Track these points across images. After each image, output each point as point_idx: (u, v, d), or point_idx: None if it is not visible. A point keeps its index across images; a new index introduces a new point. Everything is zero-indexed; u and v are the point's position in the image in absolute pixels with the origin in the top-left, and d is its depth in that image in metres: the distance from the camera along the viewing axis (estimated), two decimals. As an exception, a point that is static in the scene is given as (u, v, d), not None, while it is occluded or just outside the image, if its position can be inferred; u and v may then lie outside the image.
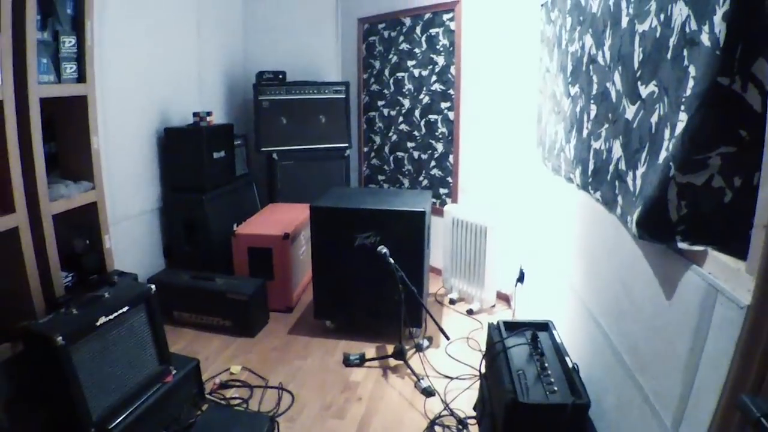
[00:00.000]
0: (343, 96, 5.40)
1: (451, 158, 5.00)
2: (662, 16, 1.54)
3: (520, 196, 4.20)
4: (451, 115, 4.90)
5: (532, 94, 3.68)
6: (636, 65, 1.75)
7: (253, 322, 4.06)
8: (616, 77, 1.94)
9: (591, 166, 2.24)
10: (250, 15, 5.85)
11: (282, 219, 4.65)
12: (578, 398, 2.17)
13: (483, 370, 3.00)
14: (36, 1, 2.48)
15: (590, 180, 2.25)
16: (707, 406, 1.32)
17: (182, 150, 4.59)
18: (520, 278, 4.05)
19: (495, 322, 2.82)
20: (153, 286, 2.73)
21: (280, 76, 5.47)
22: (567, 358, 2.44)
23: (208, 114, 4.77)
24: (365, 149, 5.72)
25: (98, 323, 2.35)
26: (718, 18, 1.17)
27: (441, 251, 4.82)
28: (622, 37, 1.90)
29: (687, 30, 1.36)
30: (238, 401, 3.19)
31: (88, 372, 2.30)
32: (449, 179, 5.06)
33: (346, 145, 5.48)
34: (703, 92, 1.23)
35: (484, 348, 3.13)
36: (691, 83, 1.30)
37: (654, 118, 1.56)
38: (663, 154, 1.44)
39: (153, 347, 2.74)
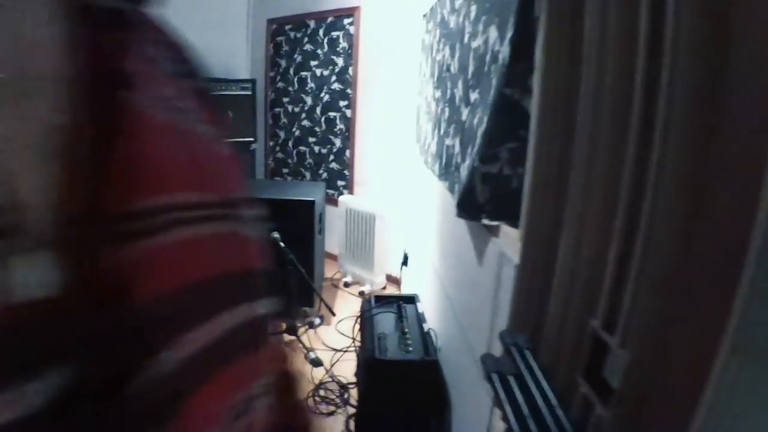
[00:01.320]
0: (250, 93, 5.58)
1: (347, 153, 5.29)
2: (485, 36, 1.87)
3: (405, 188, 4.52)
4: (348, 112, 5.20)
5: (417, 96, 4.00)
6: (470, 75, 2.07)
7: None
8: (459, 84, 2.27)
9: (444, 160, 2.56)
10: (163, 11, 5.93)
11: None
12: (428, 355, 2.51)
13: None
14: None
15: (443, 172, 2.57)
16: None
17: None
18: (405, 261, 4.38)
19: (367, 296, 3.12)
20: None
21: (188, 71, 5.57)
22: (424, 324, 2.77)
23: None
24: (271, 143, 5.93)
25: None
26: (506, 41, 1.50)
27: (337, 239, 5.10)
28: (463, 51, 2.23)
29: (494, 49, 1.69)
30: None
31: None
32: (346, 172, 5.35)
33: (252, 139, 5.67)
34: (495, 99, 1.56)
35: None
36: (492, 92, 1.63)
37: (476, 120, 1.89)
38: (474, 149, 1.77)
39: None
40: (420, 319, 2.88)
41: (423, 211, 3.63)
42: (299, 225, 3.95)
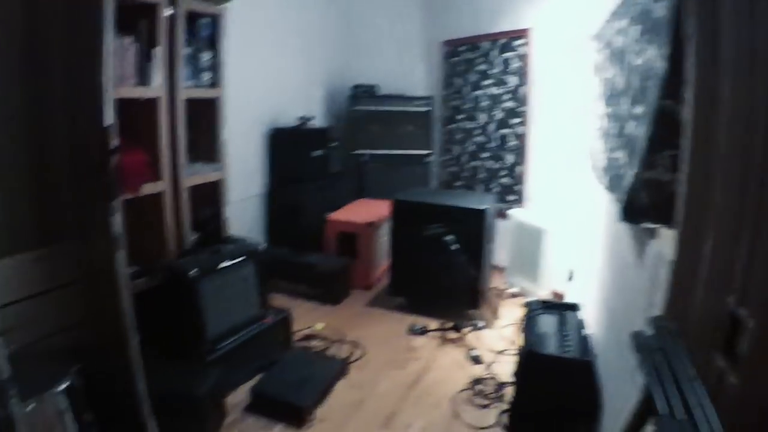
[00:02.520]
0: (427, 109, 5.87)
1: (519, 168, 5.44)
2: (646, 54, 1.98)
3: (573, 204, 4.56)
4: (520, 129, 5.35)
5: (587, 114, 4.05)
6: (634, 91, 2.18)
7: (337, 292, 4.68)
8: (626, 100, 2.37)
9: (612, 173, 2.63)
10: (350, 36, 6.47)
11: (368, 211, 5.20)
12: (584, 356, 2.60)
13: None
14: (183, 26, 3.16)
15: (611, 184, 2.62)
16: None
17: (287, 147, 5.28)
18: (570, 277, 4.43)
19: (533, 300, 3.26)
20: (263, 244, 3.39)
21: (373, 89, 6.05)
22: (583, 330, 2.86)
23: (310, 118, 5.47)
24: (445, 157, 6.17)
25: (220, 266, 3.05)
26: (662, 57, 1.62)
27: (504, 251, 5.19)
28: (628, 69, 2.34)
29: (654, 65, 1.81)
30: (318, 350, 3.79)
31: (208, 303, 2.99)
32: (517, 187, 5.49)
33: (428, 152, 5.95)
34: (654, 111, 1.69)
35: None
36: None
37: (640, 132, 2.00)
38: (638, 158, 1.89)
39: (256, 294, 3.39)
40: (580, 324, 2.96)
41: (590, 226, 3.68)
42: (470, 232, 4.15)
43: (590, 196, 3.69)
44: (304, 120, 5.45)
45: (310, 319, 4.22)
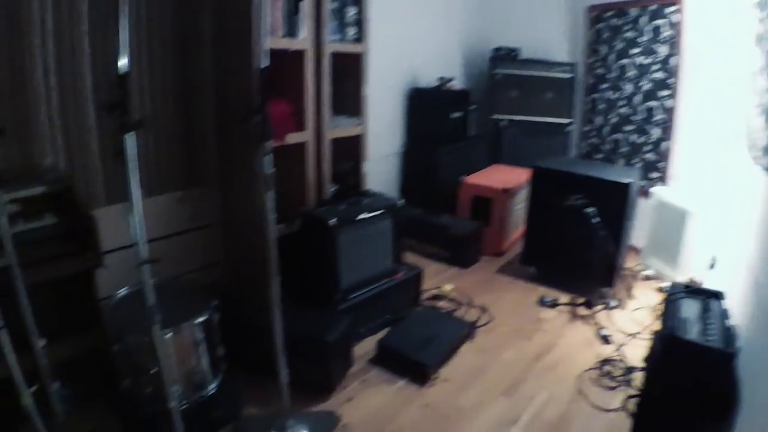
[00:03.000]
0: (570, 76, 5.57)
1: (665, 144, 5.06)
2: None
3: (723, 187, 4.15)
4: (669, 103, 4.94)
5: (745, 89, 3.68)
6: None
7: (468, 256, 4.62)
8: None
9: None
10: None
11: (504, 177, 5.04)
12: (728, 348, 2.34)
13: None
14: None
15: None
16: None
17: (425, 107, 5.24)
18: (712, 265, 4.09)
19: (675, 283, 3.03)
20: (402, 200, 3.44)
21: (513, 53, 5.80)
22: (728, 321, 2.62)
23: (450, 80, 5.37)
24: (586, 128, 5.86)
25: (358, 218, 3.11)
26: None
27: (642, 231, 4.88)
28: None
29: None
30: (446, 310, 3.76)
31: (345, 253, 3.05)
32: (661, 164, 5.11)
33: (569, 121, 5.66)
34: None
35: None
36: None
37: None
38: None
39: (391, 248, 3.42)
40: (724, 314, 2.71)
41: (741, 210, 3.35)
42: (612, 207, 3.92)
43: (743, 178, 3.35)
44: (444, 81, 5.36)
45: (438, 280, 4.20)
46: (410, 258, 4.44)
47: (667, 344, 2.47)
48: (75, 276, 2.33)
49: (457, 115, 5.31)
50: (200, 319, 2.38)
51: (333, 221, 2.94)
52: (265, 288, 2.24)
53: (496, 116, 5.69)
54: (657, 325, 3.11)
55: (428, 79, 5.43)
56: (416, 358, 2.99)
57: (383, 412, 2.74)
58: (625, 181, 3.91)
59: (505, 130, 5.69)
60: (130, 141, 1.60)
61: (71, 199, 2.36)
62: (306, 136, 3.14)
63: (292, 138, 3.04)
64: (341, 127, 3.46)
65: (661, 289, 4.39)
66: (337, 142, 3.44)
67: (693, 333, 2.47)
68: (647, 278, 4.66)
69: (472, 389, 2.97)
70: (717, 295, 2.90)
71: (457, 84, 5.71)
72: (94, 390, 2.50)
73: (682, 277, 4.30)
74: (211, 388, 2.48)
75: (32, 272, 1.97)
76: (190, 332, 2.36)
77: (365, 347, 3.21)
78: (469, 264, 4.63)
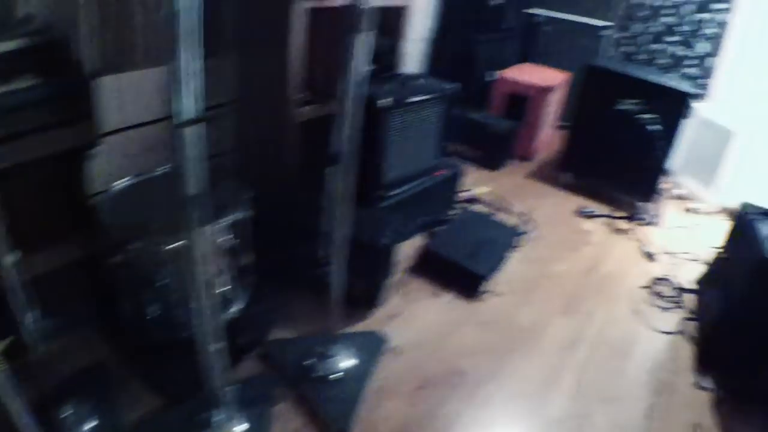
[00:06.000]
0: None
1: (711, 60, 4.48)
2: None
3: None
4: (724, 17, 4.33)
5: None
6: None
7: (500, 158, 4.12)
8: None
9: None
10: None
11: (540, 75, 4.49)
12: None
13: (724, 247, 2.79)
14: None
15: None
16: None
17: None
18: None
19: (747, 204, 2.61)
20: (458, 85, 2.81)
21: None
22: None
23: None
24: (621, 34, 5.25)
25: (411, 100, 2.47)
26: None
27: (680, 151, 4.41)
28: None
29: None
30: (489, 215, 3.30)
31: (393, 140, 2.46)
32: (706, 80, 4.55)
33: (608, 24, 5.01)
34: None
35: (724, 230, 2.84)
36: None
37: None
38: None
39: (438, 141, 2.84)
40: None
41: None
42: (668, 115, 3.43)
43: None
44: None
45: (470, 182, 3.66)
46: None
47: (758, 266, 2.11)
48: (62, 159, 1.75)
49: (495, 2, 4.62)
50: (234, 218, 1.83)
51: (384, 101, 2.33)
52: (315, 179, 1.70)
53: (532, 10, 5.05)
54: (718, 247, 2.75)
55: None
56: (469, 267, 2.52)
57: (435, 332, 2.29)
58: (685, 89, 3.42)
59: (540, 27, 5.07)
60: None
61: (60, 57, 1.73)
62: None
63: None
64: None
65: (696, 210, 4.05)
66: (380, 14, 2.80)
67: None
68: (679, 198, 4.27)
69: (529, 305, 2.58)
70: None
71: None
72: (84, 316, 1.95)
73: (714, 199, 4.00)
74: (238, 306, 1.99)
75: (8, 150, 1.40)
76: (222, 234, 1.81)
77: (406, 254, 2.73)
78: (501, 166, 4.13)
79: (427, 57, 4.60)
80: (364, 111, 2.30)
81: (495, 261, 2.69)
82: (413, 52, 4.16)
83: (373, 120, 2.31)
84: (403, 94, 2.47)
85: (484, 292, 2.53)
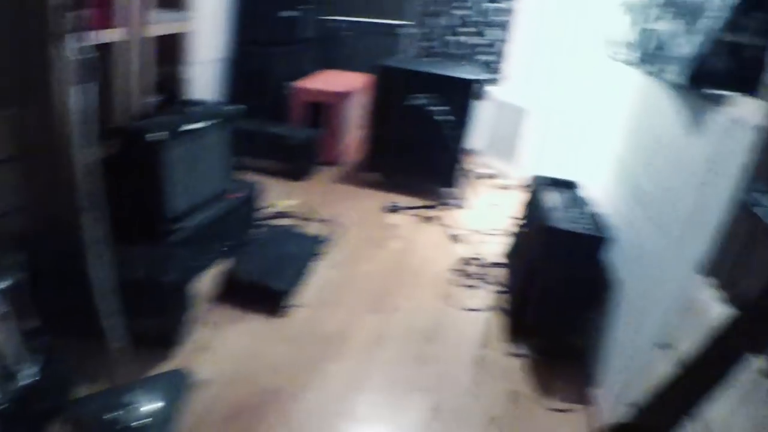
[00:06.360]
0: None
1: (502, 45, 4.87)
2: None
3: (569, 86, 4.04)
4: (510, 4, 4.74)
5: None
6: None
7: (305, 167, 4.17)
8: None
9: (651, 45, 2.20)
10: None
11: (339, 81, 4.64)
12: (598, 232, 2.30)
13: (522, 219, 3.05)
14: None
15: (646, 57, 2.20)
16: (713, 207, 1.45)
17: (254, 6, 4.46)
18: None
19: (536, 176, 2.90)
20: (240, 107, 2.85)
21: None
22: (589, 207, 2.55)
23: None
24: (421, 30, 5.53)
25: (184, 129, 2.42)
26: None
27: (482, 131, 4.74)
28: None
29: None
30: (291, 228, 3.32)
31: (171, 172, 2.38)
32: (498, 65, 4.94)
33: (407, 22, 5.27)
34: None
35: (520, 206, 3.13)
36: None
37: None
38: (709, 21, 1.56)
39: (226, 165, 2.83)
40: (585, 201, 2.63)
41: (597, 106, 3.26)
42: (457, 104, 3.71)
43: (596, 73, 3.29)
44: None
45: (276, 197, 3.68)
46: (242, 175, 3.91)
47: (541, 235, 2.37)
48: None
49: (288, 14, 4.65)
50: (4, 285, 1.69)
51: (153, 135, 2.24)
52: (76, 227, 1.64)
53: (329, 17, 5.19)
54: (518, 219, 3.03)
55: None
56: (270, 285, 2.54)
57: (244, 356, 2.27)
58: (469, 77, 3.73)
59: (339, 33, 5.23)
60: None
61: None
62: (121, 33, 2.38)
63: (105, 36, 2.30)
64: (164, 23, 2.74)
65: (501, 187, 4.36)
66: (160, 42, 2.73)
67: (564, 221, 2.38)
68: (489, 177, 4.64)
69: (336, 311, 2.64)
70: (571, 185, 2.85)
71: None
72: None
73: (520, 173, 4.31)
74: (31, 373, 1.81)
75: None
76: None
77: (207, 283, 2.67)
78: (307, 175, 4.19)
79: (225, 77, 4.54)
80: (134, 146, 2.26)
81: (298, 274, 2.73)
82: (203, 77, 4.09)
83: (145, 155, 2.26)
84: (178, 124, 2.41)
85: (289, 307, 2.55)
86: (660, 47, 2.06)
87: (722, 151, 1.52)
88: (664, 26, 2.07)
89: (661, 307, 1.74)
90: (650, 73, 2.20)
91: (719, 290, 1.31)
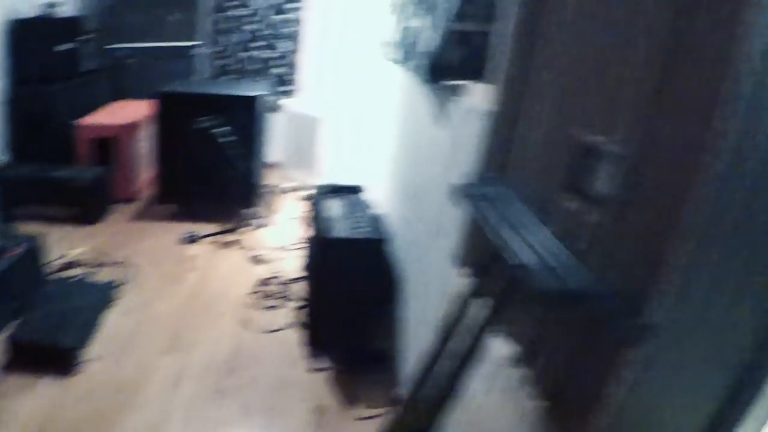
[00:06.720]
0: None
1: (295, 57, 5.07)
2: None
3: (354, 89, 4.15)
4: (297, 15, 4.96)
5: None
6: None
7: (96, 209, 4.04)
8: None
9: (409, 42, 2.34)
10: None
11: (126, 112, 4.54)
12: (376, 235, 2.52)
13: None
14: None
15: (406, 55, 2.34)
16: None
17: (28, 41, 4.22)
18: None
19: (318, 186, 3.09)
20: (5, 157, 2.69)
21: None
22: (371, 210, 2.78)
23: (57, 4, 4.42)
24: (213, 49, 5.57)
25: None
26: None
27: (280, 145, 4.89)
28: None
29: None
30: (80, 279, 3.23)
31: None
32: (292, 77, 5.14)
33: (196, 43, 5.29)
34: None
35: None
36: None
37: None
38: (443, 14, 1.73)
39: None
40: (367, 205, 2.85)
41: (374, 107, 3.41)
42: (242, 122, 3.82)
43: (374, 78, 3.41)
44: (50, 6, 4.38)
45: (67, 245, 3.55)
46: (28, 227, 3.59)
47: (320, 246, 2.53)
48: None
49: (66, 47, 4.44)
50: None
51: None
52: None
53: (114, 45, 5.03)
54: (309, 232, 3.12)
55: (32, 5, 4.34)
56: (57, 343, 2.51)
57: (36, 425, 2.18)
58: (252, 94, 3.84)
59: (127, 61, 5.10)
60: None
61: None
62: None
63: None
64: None
65: (306, 198, 4.53)
66: None
67: (342, 229, 2.53)
68: (292, 190, 4.75)
69: (130, 358, 2.64)
70: (355, 189, 3.03)
71: (66, 10, 4.68)
72: None
73: (321, 182, 4.48)
74: None
75: None
76: None
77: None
78: (100, 218, 4.06)
79: (7, 121, 4.25)
80: None
81: (88, 326, 2.72)
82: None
83: None
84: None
85: (81, 363, 2.52)
86: (414, 43, 2.21)
87: (460, 141, 1.65)
88: (417, 23, 2.21)
89: (438, 300, 1.80)
90: (409, 70, 2.31)
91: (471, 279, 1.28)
